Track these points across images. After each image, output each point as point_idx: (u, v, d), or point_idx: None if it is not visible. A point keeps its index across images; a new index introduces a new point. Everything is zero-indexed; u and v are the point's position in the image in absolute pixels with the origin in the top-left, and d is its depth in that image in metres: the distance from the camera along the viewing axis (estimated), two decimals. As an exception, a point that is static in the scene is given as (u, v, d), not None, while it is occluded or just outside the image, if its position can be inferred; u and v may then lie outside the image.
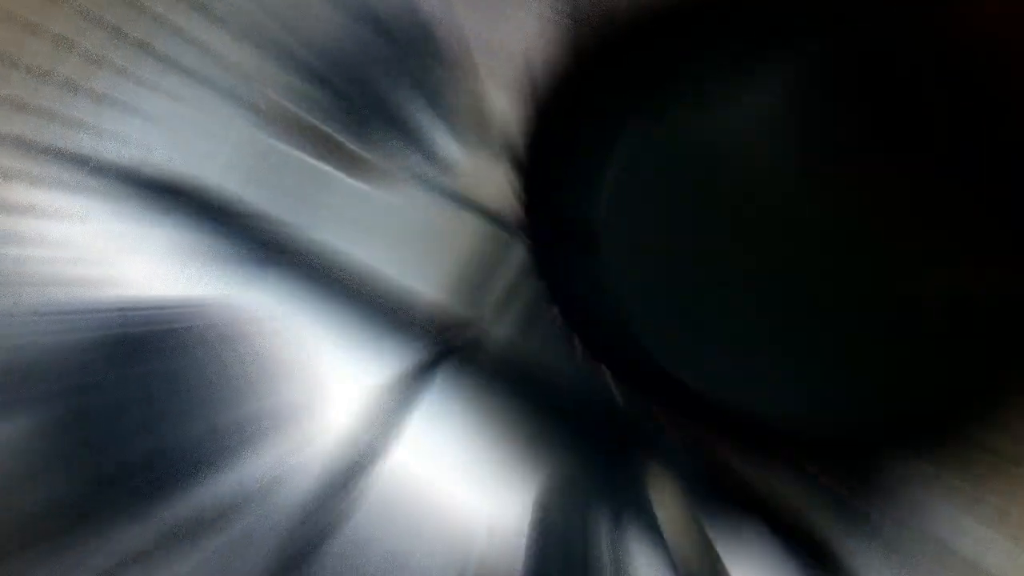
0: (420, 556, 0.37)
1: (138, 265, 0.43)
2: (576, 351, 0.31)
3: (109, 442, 0.35)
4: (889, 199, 0.40)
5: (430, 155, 0.45)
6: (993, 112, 0.36)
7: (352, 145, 0.45)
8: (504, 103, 0.45)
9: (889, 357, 0.38)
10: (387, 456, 0.38)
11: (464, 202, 0.44)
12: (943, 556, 0.36)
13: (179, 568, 0.34)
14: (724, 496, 0.37)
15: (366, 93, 0.43)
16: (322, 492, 0.38)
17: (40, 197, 0.43)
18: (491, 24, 0.46)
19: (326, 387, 0.41)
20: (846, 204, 0.40)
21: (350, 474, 0.37)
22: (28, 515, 0.33)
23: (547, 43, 0.35)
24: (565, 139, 0.37)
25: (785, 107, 0.41)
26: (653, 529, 0.30)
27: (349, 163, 0.45)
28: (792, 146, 0.41)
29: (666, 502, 0.30)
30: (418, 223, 0.44)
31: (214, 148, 0.46)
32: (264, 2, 0.46)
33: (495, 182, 0.44)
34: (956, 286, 0.38)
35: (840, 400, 0.37)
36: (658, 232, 0.40)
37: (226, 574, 0.34)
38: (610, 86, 0.39)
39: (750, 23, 0.39)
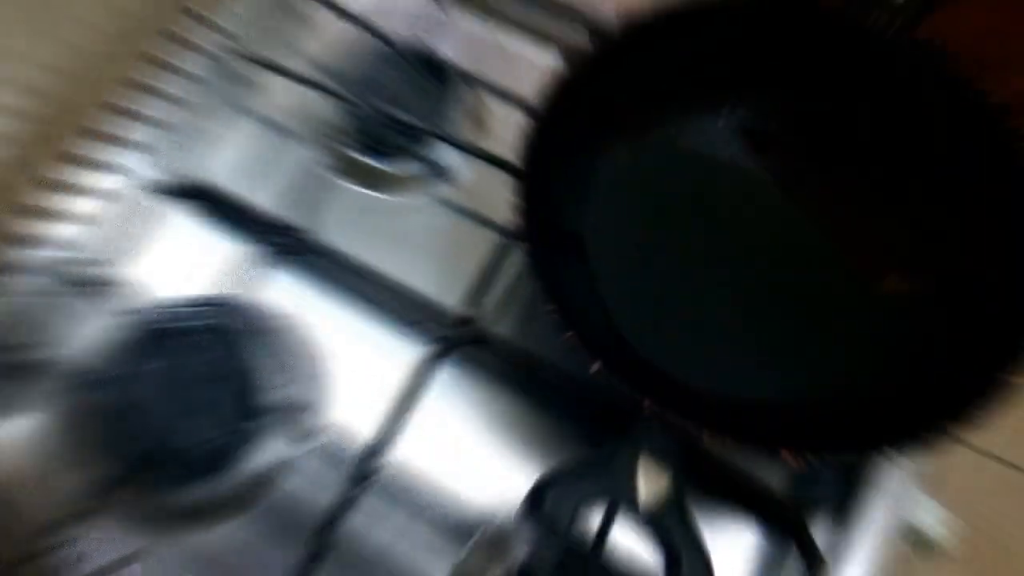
0: (426, 533, 0.39)
1: (169, 266, 0.45)
2: (569, 345, 0.32)
3: (147, 428, 0.38)
4: (854, 206, 0.42)
5: (441, 170, 0.47)
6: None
7: (367, 160, 0.47)
8: (507, 127, 0.47)
9: (858, 353, 0.39)
10: (397, 441, 0.39)
11: (469, 211, 0.46)
12: (900, 527, 0.38)
13: (238, 526, 0.37)
14: (706, 478, 0.39)
15: (384, 115, 0.44)
16: (341, 473, 0.40)
17: (85, 206, 0.45)
18: (498, 66, 0.48)
19: (341, 379, 0.42)
20: (813, 209, 0.42)
21: (364, 457, 0.38)
22: (91, 485, 0.36)
23: (544, 79, 0.37)
24: (559, 159, 0.39)
25: (758, 126, 0.43)
26: (637, 508, 0.32)
27: (365, 176, 0.47)
28: (763, 162, 0.43)
29: (651, 479, 0.32)
30: (428, 230, 0.45)
31: (246, 162, 0.48)
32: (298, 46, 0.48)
33: (497, 194, 0.46)
34: (923, 286, 0.39)
35: (810, 389, 0.38)
36: (638, 238, 0.42)
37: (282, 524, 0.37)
38: (598, 114, 0.41)
39: (729, 58, 0.41)
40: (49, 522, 0.38)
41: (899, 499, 0.38)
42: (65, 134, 0.47)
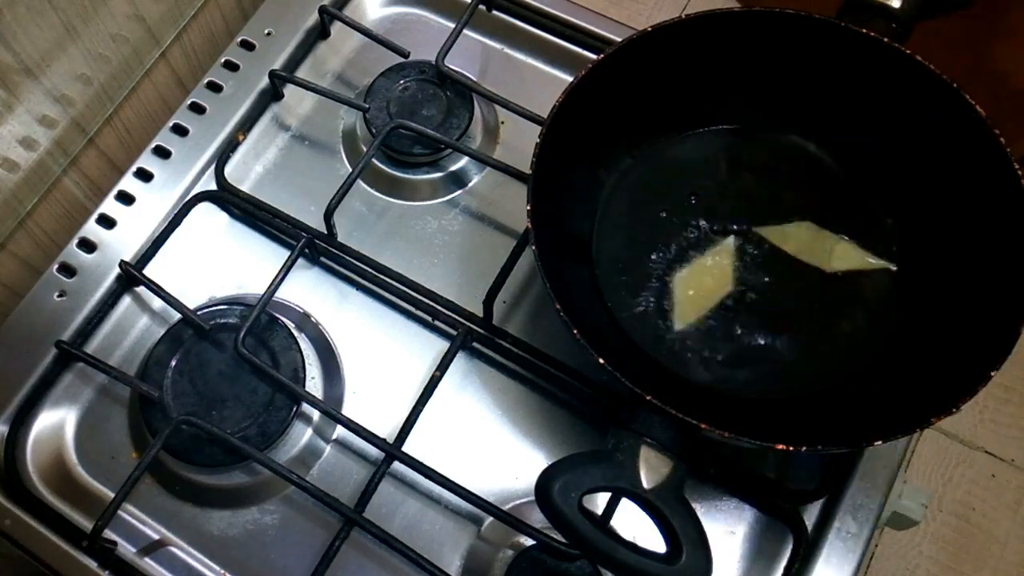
0: (441, 518, 0.40)
1: (199, 267, 0.46)
2: (576, 342, 0.33)
3: (185, 415, 0.40)
4: (847, 207, 0.43)
5: (458, 179, 0.49)
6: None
7: (389, 169, 0.48)
8: (519, 139, 0.49)
9: (850, 349, 0.40)
10: (416, 430, 0.41)
11: (484, 217, 0.48)
12: (886, 511, 0.39)
13: (267, 510, 0.40)
14: (705, 467, 0.40)
15: (405, 127, 0.46)
16: (364, 461, 0.41)
17: (119, 209, 0.47)
18: (511, 81, 0.50)
19: (364, 372, 0.44)
20: (805, 212, 0.43)
21: (385, 446, 0.40)
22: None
23: (553, 93, 0.39)
24: (567, 168, 0.41)
25: (754, 135, 0.45)
26: (640, 496, 0.33)
27: (386, 183, 0.48)
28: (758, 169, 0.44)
29: (653, 468, 0.33)
30: (445, 234, 0.47)
31: (274, 170, 0.49)
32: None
33: (510, 201, 0.48)
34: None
35: (804, 384, 0.40)
36: (639, 241, 0.43)
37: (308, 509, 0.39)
38: (603, 126, 0.42)
39: (726, 68, 0.42)
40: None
41: (886, 485, 0.39)
42: (98, 139, 0.49)
